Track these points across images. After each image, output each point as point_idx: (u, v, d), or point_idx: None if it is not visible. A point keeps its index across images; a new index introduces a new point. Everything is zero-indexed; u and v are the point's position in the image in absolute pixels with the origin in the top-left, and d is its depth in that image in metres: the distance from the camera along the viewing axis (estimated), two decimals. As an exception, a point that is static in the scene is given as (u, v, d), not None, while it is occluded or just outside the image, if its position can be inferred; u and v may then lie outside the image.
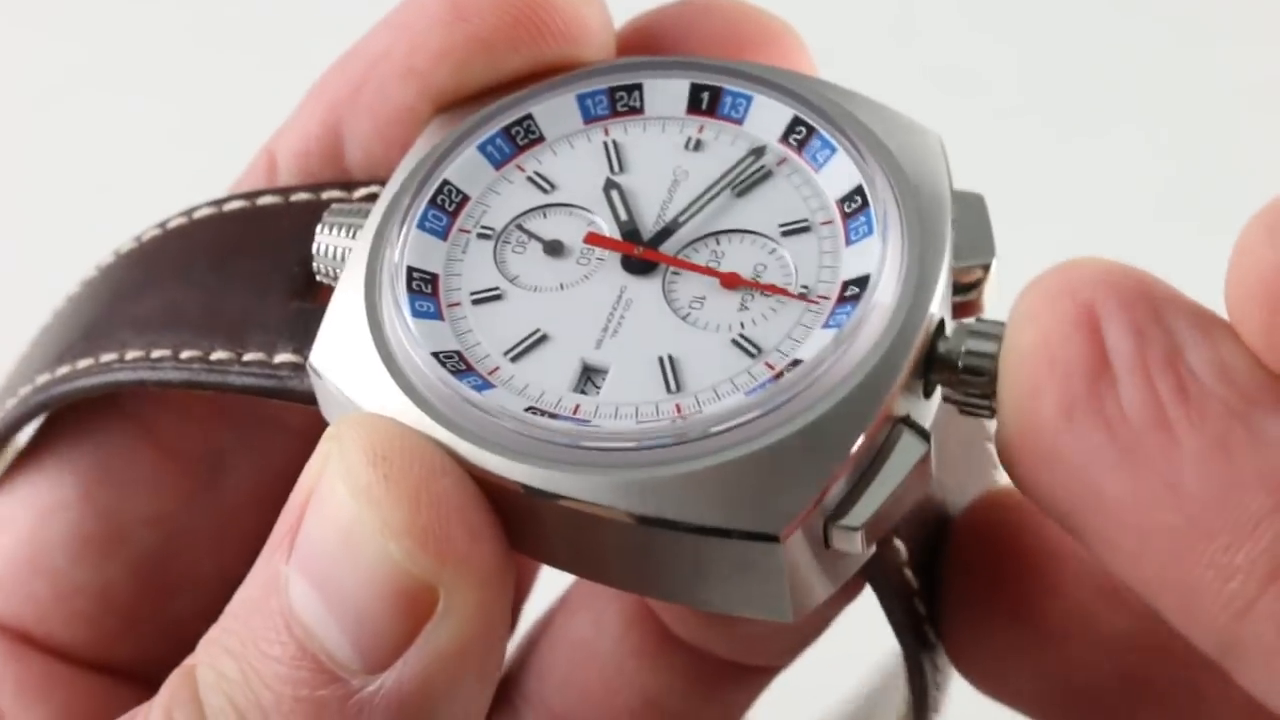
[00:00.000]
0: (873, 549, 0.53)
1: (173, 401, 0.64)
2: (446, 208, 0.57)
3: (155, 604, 0.66)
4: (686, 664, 0.68)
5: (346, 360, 0.55)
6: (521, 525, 0.53)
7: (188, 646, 0.66)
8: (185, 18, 1.24)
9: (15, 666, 0.64)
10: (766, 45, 0.62)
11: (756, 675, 0.69)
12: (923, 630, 0.60)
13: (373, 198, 0.61)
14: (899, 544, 0.58)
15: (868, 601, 0.60)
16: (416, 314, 0.55)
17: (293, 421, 0.66)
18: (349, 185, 0.61)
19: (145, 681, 0.65)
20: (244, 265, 0.61)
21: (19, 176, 1.20)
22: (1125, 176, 1.06)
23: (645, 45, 0.62)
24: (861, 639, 0.66)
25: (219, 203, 0.63)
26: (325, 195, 0.61)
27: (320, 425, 0.61)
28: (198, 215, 0.63)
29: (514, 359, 0.55)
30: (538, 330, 0.55)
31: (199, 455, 0.66)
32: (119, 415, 0.65)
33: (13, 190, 1.19)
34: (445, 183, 0.58)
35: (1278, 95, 1.13)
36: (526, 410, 0.53)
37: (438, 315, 0.56)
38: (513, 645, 0.72)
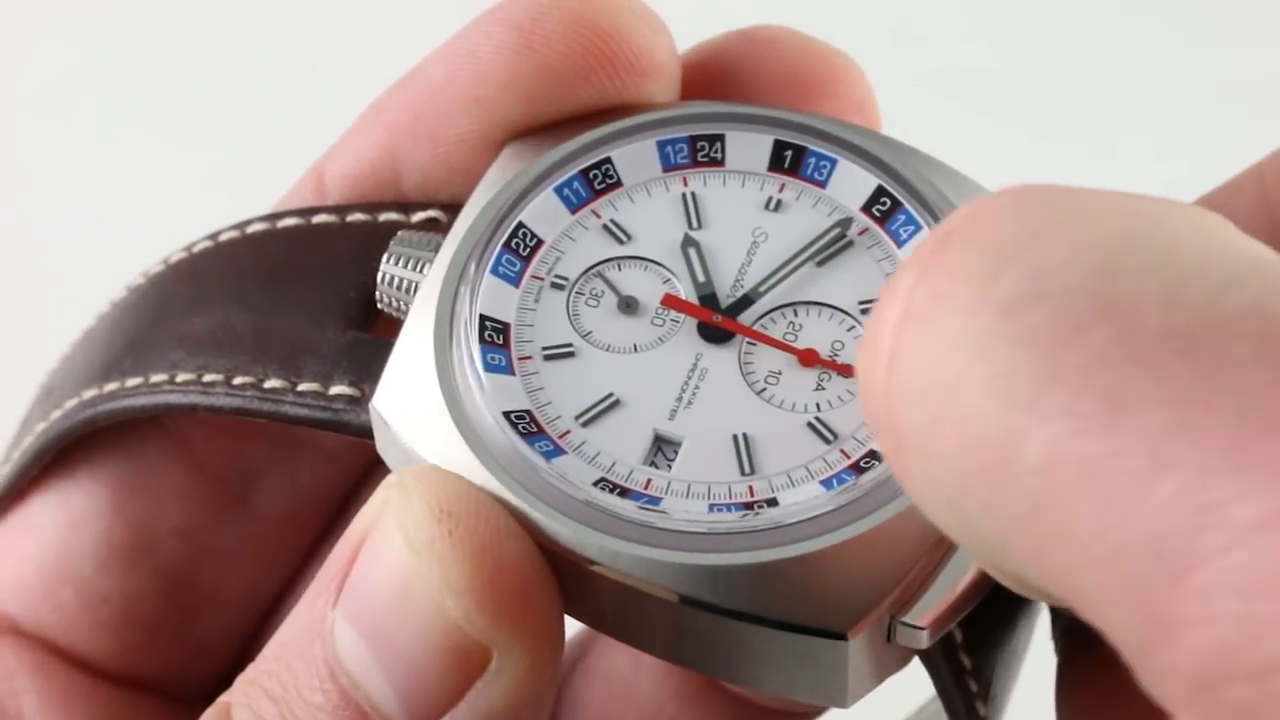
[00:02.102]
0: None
1: (207, 416, 0.63)
2: (520, 252, 0.56)
3: (180, 618, 0.65)
4: (726, 709, 0.67)
5: (412, 408, 0.54)
6: (576, 592, 0.52)
7: (211, 663, 0.66)
8: (191, 24, 1.23)
9: (40, 678, 0.63)
10: (834, 83, 0.61)
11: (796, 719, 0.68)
12: (974, 707, 0.59)
13: (431, 222, 0.60)
14: (955, 629, 0.57)
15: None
16: (489, 368, 0.54)
17: (326, 444, 0.65)
18: (406, 208, 0.60)
19: (168, 697, 0.65)
20: (299, 288, 0.59)
21: (20, 180, 1.18)
22: (1129, 183, 1.05)
23: (711, 80, 0.61)
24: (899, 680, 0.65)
25: (272, 218, 0.62)
26: (382, 217, 0.60)
27: (355, 450, 0.60)
28: (251, 230, 0.62)
29: (585, 424, 0.54)
30: (610, 395, 0.54)
31: (231, 471, 0.65)
32: (153, 427, 0.64)
33: (15, 194, 1.18)
34: (520, 225, 0.56)
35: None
36: (597, 482, 0.53)
37: (509, 369, 0.54)
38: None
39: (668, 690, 0.67)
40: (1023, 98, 1.21)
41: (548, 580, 0.51)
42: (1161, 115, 1.18)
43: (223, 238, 0.62)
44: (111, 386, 0.60)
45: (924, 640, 0.51)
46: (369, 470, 0.67)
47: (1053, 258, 0.40)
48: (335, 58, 1.06)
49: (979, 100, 1.21)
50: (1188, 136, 1.13)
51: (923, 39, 1.25)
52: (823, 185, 0.58)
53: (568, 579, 0.52)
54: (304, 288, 0.59)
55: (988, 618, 0.57)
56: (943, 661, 0.57)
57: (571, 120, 0.59)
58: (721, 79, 0.61)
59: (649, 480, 0.53)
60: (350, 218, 0.61)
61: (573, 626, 0.69)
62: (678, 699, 0.67)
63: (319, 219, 0.61)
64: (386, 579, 0.51)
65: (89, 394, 0.61)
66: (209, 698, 0.54)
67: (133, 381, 0.60)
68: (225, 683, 0.55)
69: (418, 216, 0.60)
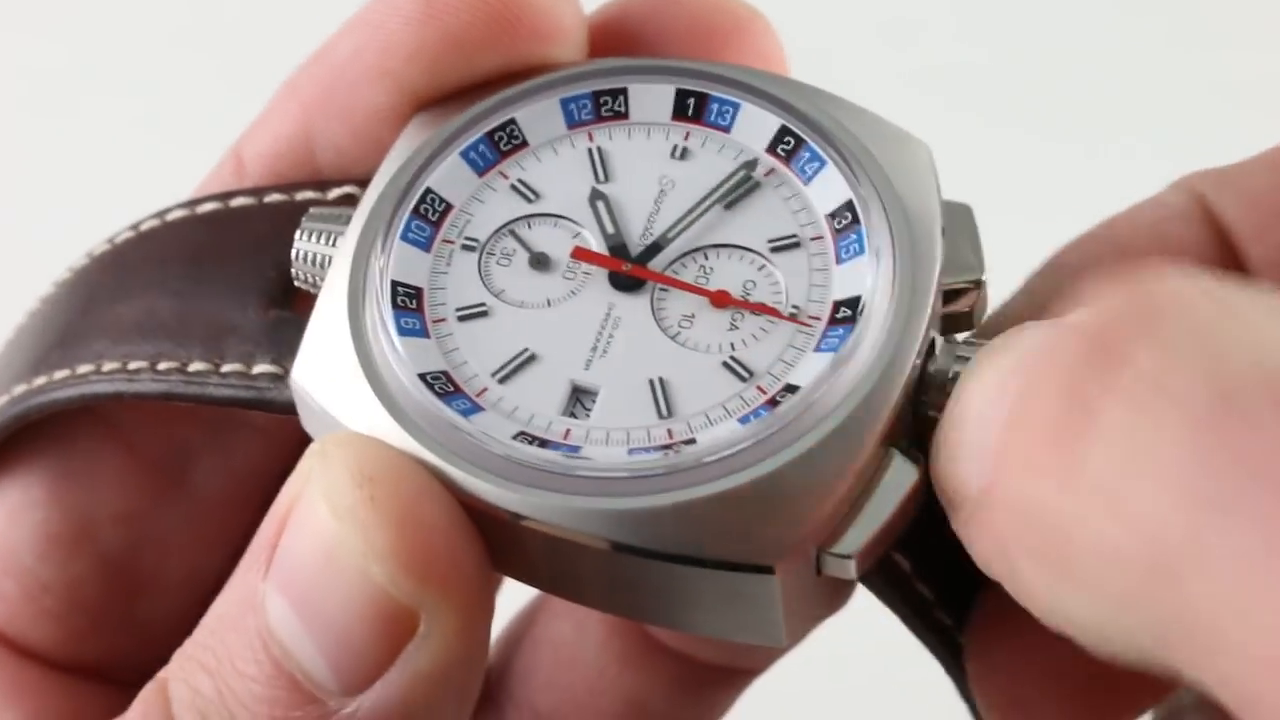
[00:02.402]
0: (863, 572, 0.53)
1: (139, 402, 0.64)
2: (429, 217, 0.57)
3: (123, 603, 0.65)
4: (669, 668, 0.67)
5: (330, 377, 0.54)
6: (505, 548, 0.53)
7: (156, 647, 0.66)
8: (151, 16, 1.23)
9: None
10: (738, 33, 0.61)
11: (739, 676, 0.69)
12: (955, 640, 0.59)
13: (348, 198, 0.60)
14: (899, 558, 0.58)
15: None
16: (402, 332, 0.54)
17: (260, 423, 0.66)
18: (323, 186, 0.61)
19: (115, 683, 0.65)
20: (219, 270, 0.60)
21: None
22: (1124, 182, 1.05)
23: (618, 39, 0.62)
24: (844, 636, 0.66)
25: (191, 204, 0.62)
26: (299, 196, 0.61)
27: (288, 427, 0.61)
28: (170, 217, 0.62)
29: (502, 380, 0.54)
30: (526, 350, 0.54)
31: (166, 453, 0.65)
32: (87, 416, 0.64)
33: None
34: (428, 191, 0.57)
35: (1277, 96, 1.13)
36: (516, 435, 0.53)
37: (423, 332, 0.55)
38: (494, 640, 0.71)
39: (610, 654, 0.67)
40: (1019, 97, 1.21)
41: (472, 540, 0.52)
42: (1159, 113, 1.18)
43: (144, 227, 0.62)
44: (40, 381, 0.61)
45: (852, 570, 0.52)
46: (303, 447, 0.67)
47: (1234, 360, 0.43)
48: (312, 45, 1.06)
49: (974, 99, 1.20)
50: (1186, 139, 1.12)
51: (915, 38, 1.25)
52: (727, 130, 0.58)
53: (495, 536, 0.52)
54: (224, 270, 0.60)
55: (940, 544, 0.57)
56: (896, 596, 0.57)
57: (479, 87, 0.59)
58: (627, 38, 0.62)
59: (568, 430, 0.53)
60: (268, 198, 0.61)
61: (519, 601, 0.70)
62: (620, 662, 0.67)
63: (237, 202, 0.61)
64: (312, 547, 0.51)
65: (19, 390, 0.61)
66: (157, 683, 0.55)
67: (60, 374, 0.60)
68: (172, 667, 0.55)
69: (334, 193, 0.60)
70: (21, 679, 0.64)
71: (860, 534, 0.52)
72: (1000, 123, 1.19)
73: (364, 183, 0.60)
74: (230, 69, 1.18)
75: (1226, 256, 0.58)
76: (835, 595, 0.55)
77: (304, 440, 0.67)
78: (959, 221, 0.56)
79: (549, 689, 0.68)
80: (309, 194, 0.60)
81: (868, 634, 0.61)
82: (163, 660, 0.65)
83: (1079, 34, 1.24)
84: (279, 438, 0.66)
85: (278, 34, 1.13)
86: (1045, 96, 1.21)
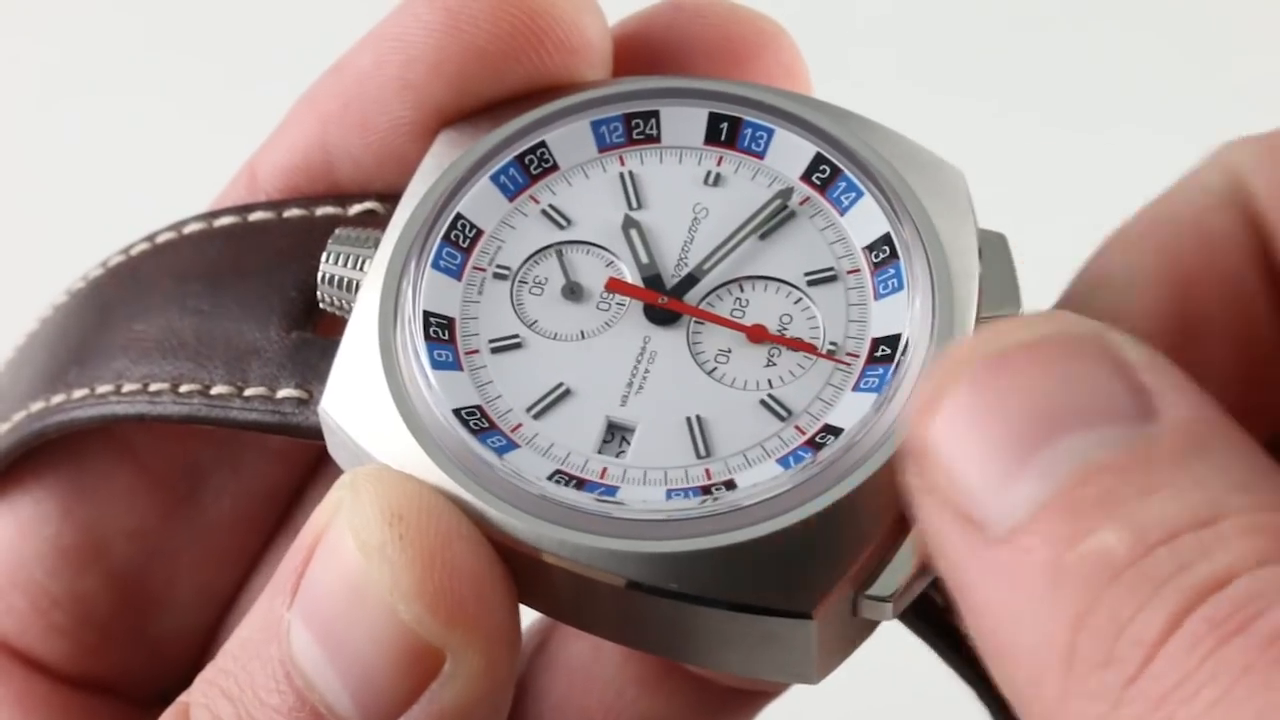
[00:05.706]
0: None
1: None
2: (460, 244, 0.56)
3: (133, 618, 0.65)
4: (687, 691, 0.67)
5: (361, 409, 0.53)
6: (533, 583, 0.52)
7: (166, 663, 0.66)
8: (166, 24, 1.22)
9: None
10: (761, 48, 0.61)
11: (757, 699, 0.68)
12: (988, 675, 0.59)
13: (369, 214, 0.59)
14: (933, 594, 0.57)
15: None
16: (436, 365, 0.53)
17: (272, 442, 0.65)
18: (342, 200, 0.60)
19: (125, 698, 0.65)
20: (239, 288, 0.59)
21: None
22: (1125, 176, 1.05)
23: (641, 53, 0.61)
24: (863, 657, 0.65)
25: (209, 217, 0.61)
26: (319, 211, 0.60)
27: (301, 447, 0.60)
28: (188, 230, 0.61)
29: (537, 415, 0.53)
30: (561, 384, 0.54)
31: (177, 470, 0.65)
32: (99, 429, 0.63)
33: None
34: (459, 217, 0.56)
35: (1277, 90, 1.12)
36: (552, 474, 0.52)
37: (456, 365, 0.54)
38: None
39: (627, 675, 0.67)
40: (1017, 95, 1.20)
41: (501, 581, 0.51)
42: (1161, 107, 1.18)
43: (160, 239, 0.62)
44: (58, 399, 0.60)
45: (888, 613, 0.51)
46: (316, 467, 0.67)
47: None
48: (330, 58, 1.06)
49: (975, 96, 1.20)
50: (1187, 134, 1.12)
51: (911, 32, 1.24)
52: (761, 156, 0.57)
53: (525, 573, 0.52)
54: (245, 288, 0.59)
55: None
56: (929, 630, 0.57)
57: (504, 103, 0.58)
58: (651, 51, 0.61)
59: (605, 469, 0.52)
60: (287, 213, 0.60)
61: (529, 616, 0.70)
62: (638, 684, 0.67)
63: (256, 216, 0.60)
64: (340, 582, 0.50)
65: (36, 407, 0.61)
66: (170, 700, 0.54)
67: (79, 393, 0.60)
68: (185, 684, 0.55)
69: (355, 209, 0.59)
70: (30, 692, 0.63)
71: (896, 577, 0.51)
72: (997, 115, 1.19)
73: (384, 197, 0.59)
74: (241, 76, 1.18)
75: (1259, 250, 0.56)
76: (866, 631, 0.54)
77: (316, 460, 0.66)
78: (994, 251, 0.56)
79: (564, 709, 0.68)
80: (329, 209, 0.60)
81: (894, 648, 0.61)
82: (177, 677, 0.65)
83: (1084, 28, 1.24)
84: (291, 457, 0.66)
85: (290, 41, 1.13)
86: (1049, 92, 1.21)
